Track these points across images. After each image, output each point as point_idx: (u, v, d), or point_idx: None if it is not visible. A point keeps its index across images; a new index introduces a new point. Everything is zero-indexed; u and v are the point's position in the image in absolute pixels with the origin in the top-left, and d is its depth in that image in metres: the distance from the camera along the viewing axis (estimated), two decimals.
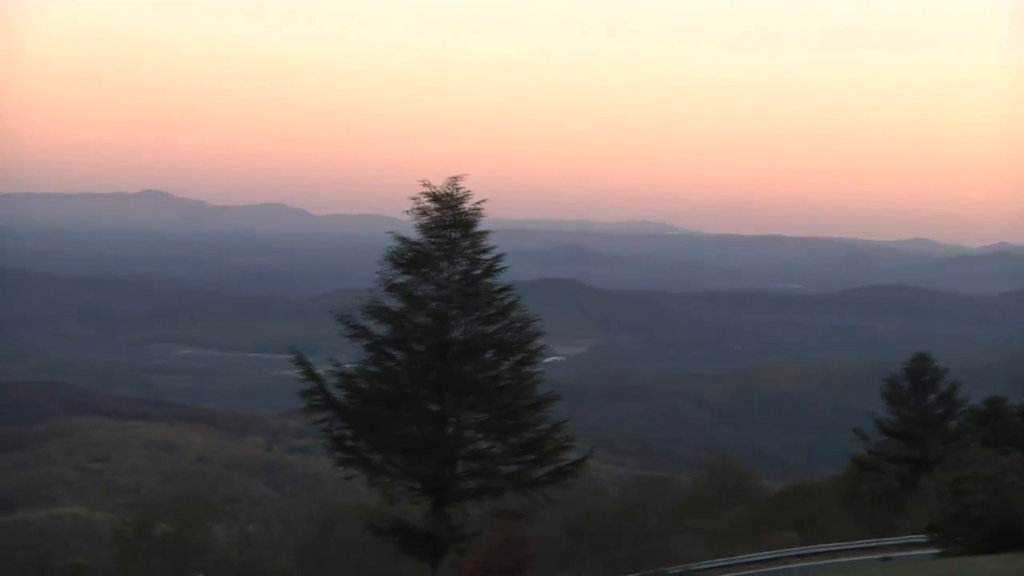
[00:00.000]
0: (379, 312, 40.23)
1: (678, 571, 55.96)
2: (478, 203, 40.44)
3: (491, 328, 40.40)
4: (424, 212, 40.26)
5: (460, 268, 40.34)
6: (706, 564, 59.64)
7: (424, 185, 40.22)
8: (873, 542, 61.04)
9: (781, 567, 58.60)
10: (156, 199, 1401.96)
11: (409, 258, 40.26)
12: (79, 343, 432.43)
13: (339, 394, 40.50)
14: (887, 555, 56.91)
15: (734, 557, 61.43)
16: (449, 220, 40.23)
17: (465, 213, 40.31)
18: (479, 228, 40.56)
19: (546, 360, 43.00)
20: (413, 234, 40.36)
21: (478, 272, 40.40)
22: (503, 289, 40.63)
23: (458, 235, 40.30)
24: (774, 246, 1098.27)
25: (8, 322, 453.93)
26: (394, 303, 40.33)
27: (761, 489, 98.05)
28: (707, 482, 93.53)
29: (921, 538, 49.81)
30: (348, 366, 40.75)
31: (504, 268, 40.75)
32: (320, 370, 41.14)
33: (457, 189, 40.35)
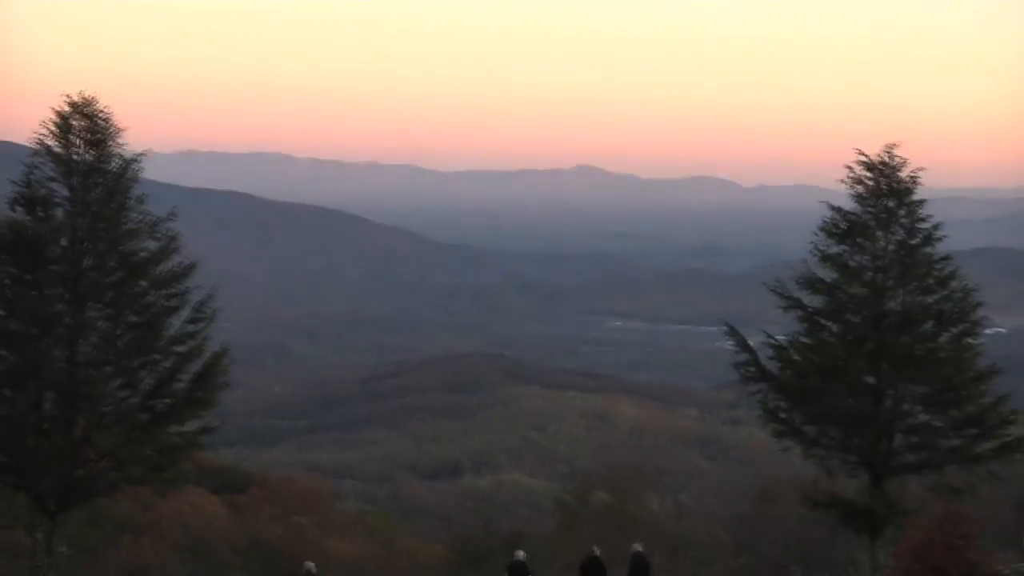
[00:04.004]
0: (812, 283, 39.84)
1: None
2: (915, 171, 39.47)
3: (930, 299, 39.36)
4: (859, 181, 39.56)
5: (896, 238, 39.40)
6: None
7: (859, 154, 39.57)
8: None
9: None
10: (590, 174, 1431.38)
11: (843, 228, 39.62)
12: (519, 316, 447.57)
13: (772, 366, 40.40)
14: None
15: None
16: (885, 189, 39.38)
17: (902, 181, 39.39)
18: (916, 197, 39.53)
19: (987, 332, 41.49)
20: (847, 203, 39.80)
21: (915, 242, 39.35)
22: (942, 259, 39.46)
23: (894, 204, 39.39)
24: None
25: (457, 295, 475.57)
26: (827, 274, 39.85)
27: None
28: None
29: None
30: (781, 338, 40.62)
31: (943, 237, 39.57)
32: (753, 342, 41.17)
33: (893, 157, 39.48)
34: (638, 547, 41.67)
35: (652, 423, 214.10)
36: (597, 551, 41.83)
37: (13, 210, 35.11)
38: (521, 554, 40.59)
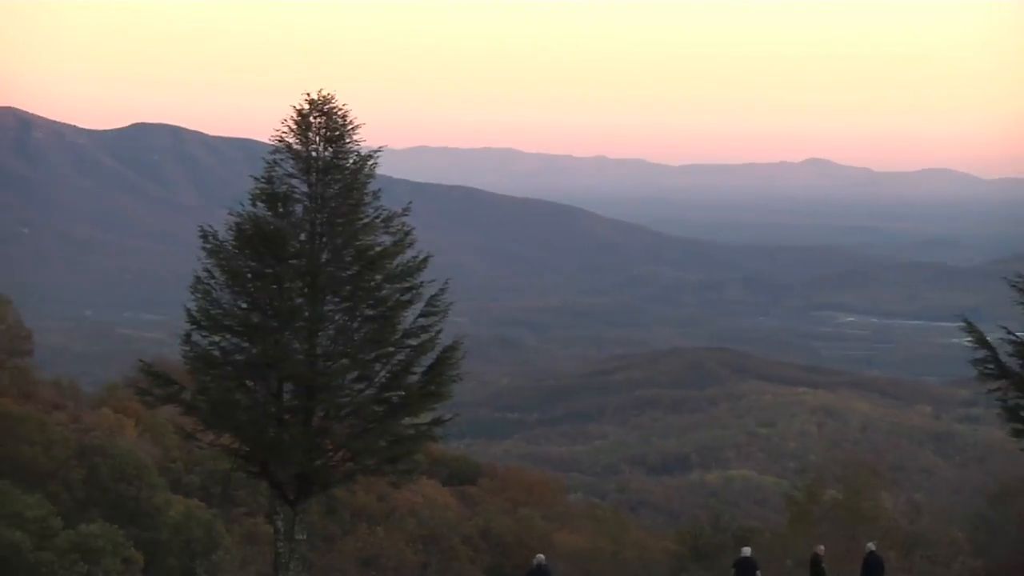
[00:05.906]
0: None
1: None
2: None
3: None
4: None
5: None
6: None
7: None
8: None
9: None
10: (820, 167, 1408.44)
11: None
12: (745, 310, 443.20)
13: (1013, 363, 39.16)
14: None
15: None
16: None
17: None
18: None
19: None
20: None
21: None
22: None
23: None
24: None
25: (682, 289, 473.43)
26: None
27: None
28: None
29: None
30: (1021, 334, 39.32)
31: None
32: (990, 338, 39.96)
33: None
34: (872, 546, 41.22)
35: (884, 419, 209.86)
36: (820, 549, 41.87)
37: (255, 206, 36.00)
38: (747, 550, 40.36)
